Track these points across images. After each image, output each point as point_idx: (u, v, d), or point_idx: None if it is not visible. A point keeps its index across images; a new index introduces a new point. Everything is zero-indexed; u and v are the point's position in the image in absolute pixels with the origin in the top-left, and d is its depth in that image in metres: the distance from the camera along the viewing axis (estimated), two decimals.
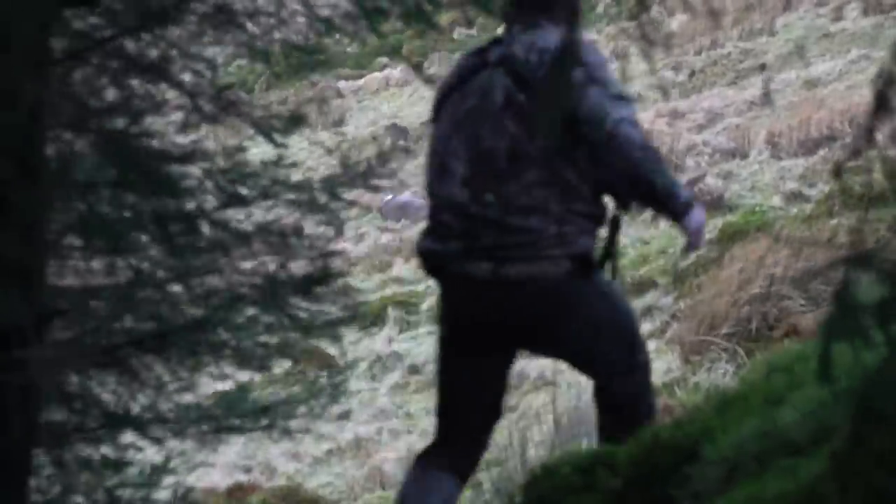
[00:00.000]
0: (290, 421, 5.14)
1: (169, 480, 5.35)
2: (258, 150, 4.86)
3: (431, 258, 4.82)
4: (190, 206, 4.48)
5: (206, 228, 4.55)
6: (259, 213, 4.63)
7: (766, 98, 18.76)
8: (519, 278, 4.59)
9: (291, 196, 4.52)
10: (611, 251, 4.83)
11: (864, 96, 17.64)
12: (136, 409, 4.98)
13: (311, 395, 5.25)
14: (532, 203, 4.55)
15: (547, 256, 4.59)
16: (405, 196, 20.67)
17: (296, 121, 4.55)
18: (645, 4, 2.62)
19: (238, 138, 4.61)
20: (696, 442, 2.75)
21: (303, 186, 4.56)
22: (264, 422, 5.13)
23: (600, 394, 4.84)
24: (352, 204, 4.75)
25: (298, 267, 4.72)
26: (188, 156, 4.41)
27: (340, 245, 17.63)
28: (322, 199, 4.50)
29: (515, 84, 4.57)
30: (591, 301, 4.71)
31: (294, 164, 4.80)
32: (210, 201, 4.51)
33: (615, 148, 4.52)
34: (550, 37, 4.59)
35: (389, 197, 20.46)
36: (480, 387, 4.87)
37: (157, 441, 4.97)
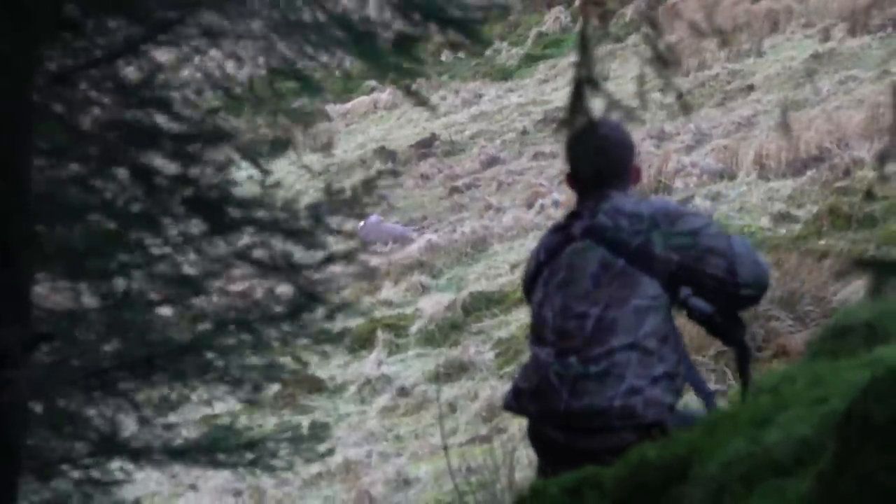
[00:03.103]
0: (273, 459, 5.16)
1: None
2: (245, 173, 4.86)
3: (514, 413, 5.11)
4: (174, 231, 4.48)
5: (191, 253, 4.55)
6: (245, 237, 4.64)
7: (783, 124, 18.76)
8: (589, 450, 4.77)
9: (277, 221, 4.54)
10: (745, 380, 5.09)
11: (852, 117, 17.70)
12: (123, 436, 4.97)
13: (295, 438, 5.27)
14: (610, 368, 4.78)
15: (613, 428, 4.80)
16: (375, 219, 20.62)
17: (281, 145, 4.58)
18: (657, 27, 2.66)
19: (224, 159, 4.62)
20: (683, 462, 2.75)
21: (288, 213, 4.57)
22: (249, 458, 5.14)
23: None
24: (337, 232, 4.80)
25: (285, 292, 4.74)
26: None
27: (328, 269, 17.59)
28: (307, 225, 4.53)
29: (611, 251, 4.86)
30: None
31: (278, 185, 4.82)
32: (195, 225, 4.52)
33: (750, 297, 4.96)
34: (627, 201, 4.95)
35: (361, 224, 20.41)
36: None
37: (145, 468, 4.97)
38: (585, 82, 2.60)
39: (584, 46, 2.68)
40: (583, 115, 2.64)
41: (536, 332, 5.02)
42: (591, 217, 4.95)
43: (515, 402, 5.03)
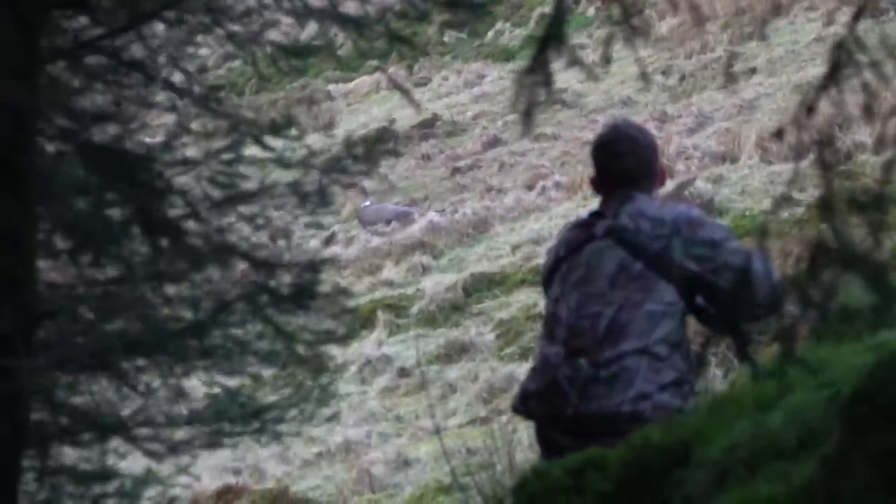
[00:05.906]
0: (279, 425, 5.15)
1: (153, 490, 5.35)
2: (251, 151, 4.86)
3: (521, 416, 5.12)
4: (176, 211, 4.48)
5: (195, 233, 4.55)
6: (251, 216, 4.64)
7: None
8: None
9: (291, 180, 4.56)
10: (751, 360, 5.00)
11: (855, 101, 17.66)
12: (125, 413, 4.96)
13: (301, 399, 5.26)
14: (620, 373, 4.75)
15: (622, 433, 4.73)
16: (377, 202, 20.64)
17: (282, 126, 4.58)
18: None
19: (229, 137, 4.62)
20: (687, 445, 2.75)
21: (303, 164, 4.58)
22: (255, 426, 5.14)
23: None
24: (350, 186, 4.82)
25: (286, 277, 4.74)
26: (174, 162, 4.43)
27: (330, 249, 17.59)
28: (321, 179, 4.54)
29: (630, 253, 4.84)
30: None
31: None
32: (201, 201, 4.52)
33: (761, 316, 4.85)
34: (650, 204, 4.93)
35: (367, 203, 20.44)
36: None
37: (147, 450, 4.96)
38: (552, 37, 2.61)
39: (559, 3, 2.68)
40: (542, 70, 2.64)
41: (549, 328, 5.00)
42: (613, 217, 4.95)
43: (522, 405, 5.00)
